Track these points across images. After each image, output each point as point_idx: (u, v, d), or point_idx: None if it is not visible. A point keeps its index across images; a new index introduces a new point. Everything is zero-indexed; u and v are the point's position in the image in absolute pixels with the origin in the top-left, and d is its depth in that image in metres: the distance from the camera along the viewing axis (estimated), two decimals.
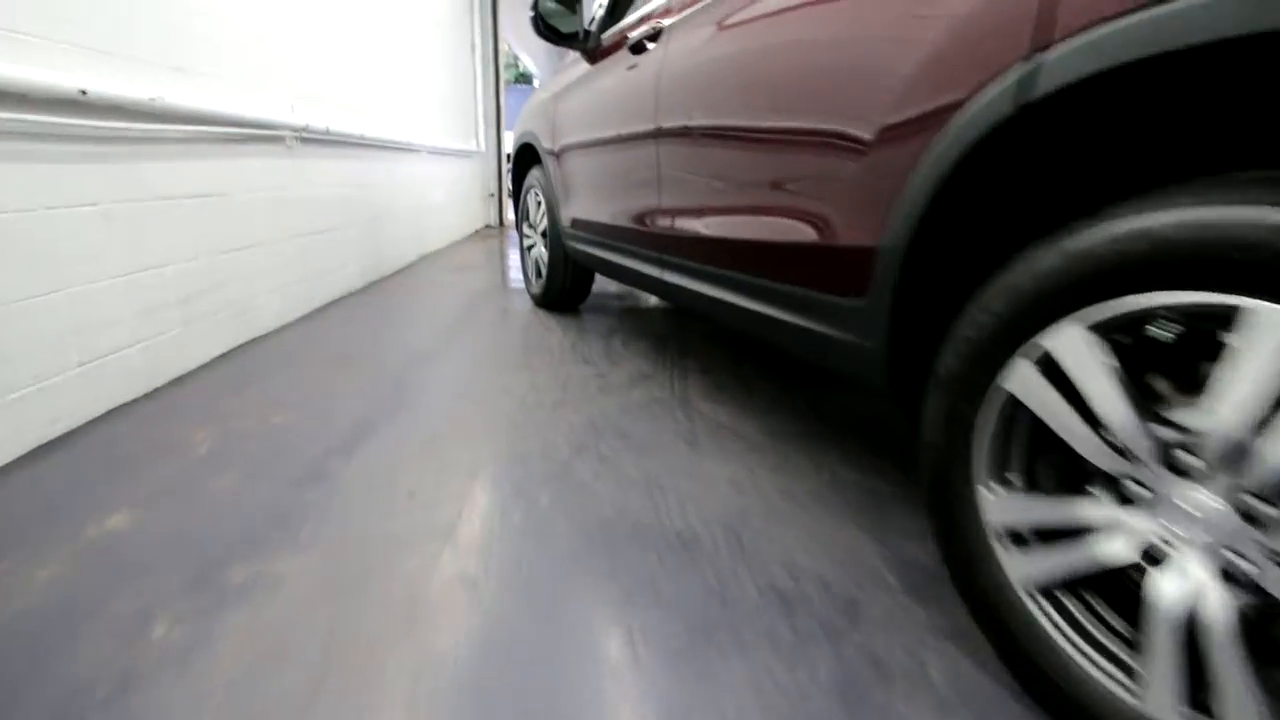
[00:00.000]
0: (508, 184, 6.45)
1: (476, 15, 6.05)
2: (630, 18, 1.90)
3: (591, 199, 2.18)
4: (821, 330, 1.06)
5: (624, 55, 1.84)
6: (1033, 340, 0.70)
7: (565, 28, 2.19)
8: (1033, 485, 0.77)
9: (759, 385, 1.87)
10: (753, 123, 1.21)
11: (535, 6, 2.17)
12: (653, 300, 3.12)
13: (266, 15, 2.35)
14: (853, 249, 0.97)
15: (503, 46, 6.67)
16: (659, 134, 1.59)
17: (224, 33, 2.08)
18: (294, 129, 2.45)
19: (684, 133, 1.48)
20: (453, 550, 1.05)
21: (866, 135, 0.91)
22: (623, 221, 1.91)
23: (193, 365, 1.90)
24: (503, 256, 4.70)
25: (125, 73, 1.62)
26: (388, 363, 2.04)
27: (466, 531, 1.11)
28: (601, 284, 3.24)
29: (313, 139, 2.63)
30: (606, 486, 1.27)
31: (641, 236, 1.80)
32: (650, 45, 1.67)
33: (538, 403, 1.71)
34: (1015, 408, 0.74)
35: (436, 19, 4.88)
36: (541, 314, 2.80)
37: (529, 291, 3.09)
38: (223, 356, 2.03)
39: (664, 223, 1.64)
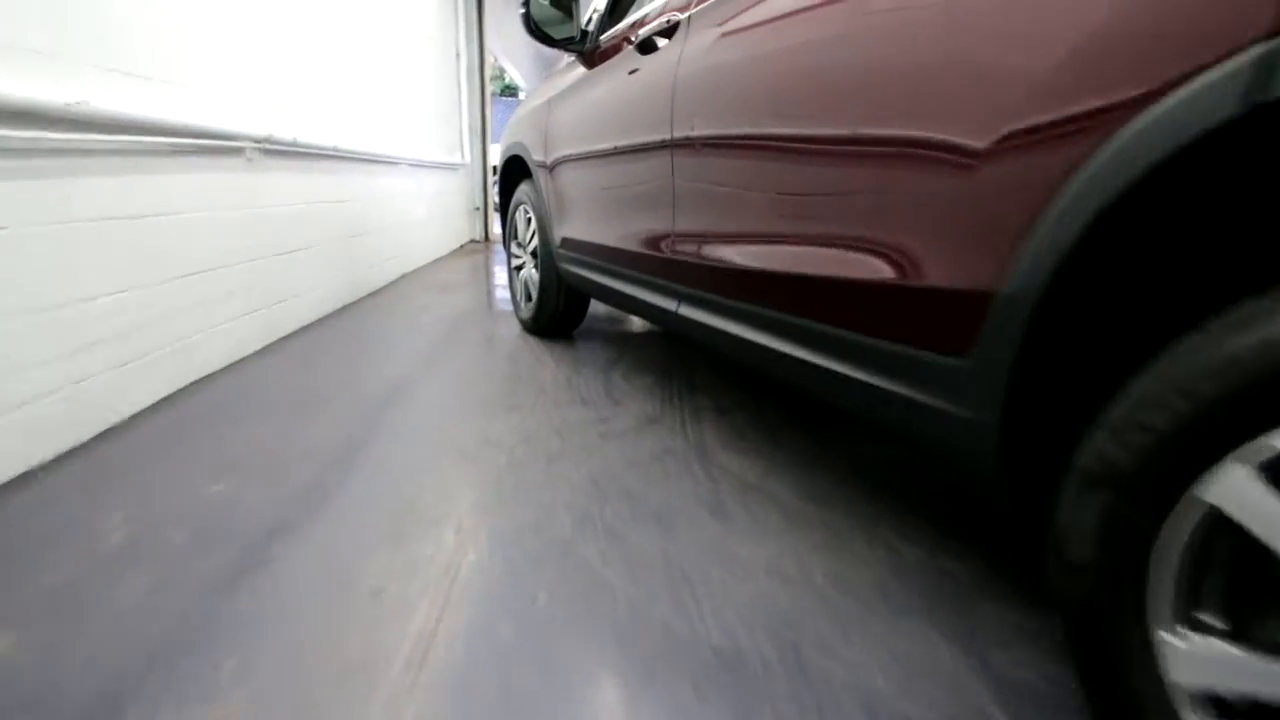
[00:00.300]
0: (494, 197, 6.23)
1: (461, 23, 5.84)
2: (635, 14, 1.68)
3: (590, 217, 1.95)
4: (902, 392, 0.83)
5: (629, 56, 1.62)
6: (1260, 439, 0.48)
7: (559, 31, 1.97)
8: (1243, 633, 0.54)
9: (784, 431, 1.63)
10: (803, 129, 0.97)
11: (526, 5, 1.95)
12: (651, 325, 2.89)
13: (224, 14, 2.10)
14: (955, 293, 0.74)
15: (488, 59, 6.46)
16: (674, 144, 1.36)
17: (172, 31, 1.83)
18: (255, 139, 2.19)
19: (707, 142, 1.25)
20: (427, 688, 0.80)
21: (979, 144, 0.68)
22: (627, 244, 1.67)
23: (126, 414, 1.63)
24: (488, 274, 4.45)
25: (38, 73, 1.37)
26: (353, 407, 1.78)
27: (444, 651, 0.86)
28: (594, 306, 3.01)
29: (278, 150, 2.38)
30: (618, 576, 1.03)
31: (649, 261, 1.57)
32: (662, 43, 1.44)
33: (530, 456, 1.47)
34: (1219, 526, 0.52)
35: (419, 26, 4.65)
36: (531, 341, 2.55)
37: (517, 316, 2.84)
38: (164, 401, 1.76)
39: (680, 247, 1.41)
